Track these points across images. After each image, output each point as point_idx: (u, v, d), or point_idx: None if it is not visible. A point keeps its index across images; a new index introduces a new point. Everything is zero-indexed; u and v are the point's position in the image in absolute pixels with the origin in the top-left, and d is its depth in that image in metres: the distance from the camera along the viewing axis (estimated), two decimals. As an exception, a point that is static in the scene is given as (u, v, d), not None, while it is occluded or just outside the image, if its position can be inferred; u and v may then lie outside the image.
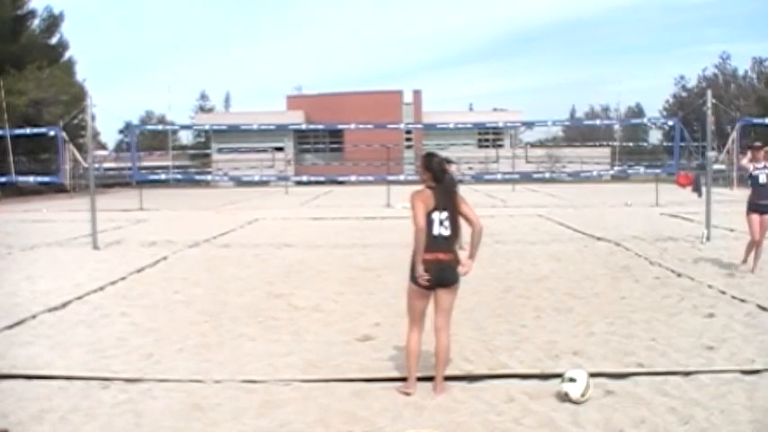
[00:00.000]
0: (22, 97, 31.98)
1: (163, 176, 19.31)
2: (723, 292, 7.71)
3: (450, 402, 4.48)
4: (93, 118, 13.92)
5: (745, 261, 9.31)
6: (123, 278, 9.31)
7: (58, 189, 26.71)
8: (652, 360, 5.32)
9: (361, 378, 4.96)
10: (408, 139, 49.12)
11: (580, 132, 66.43)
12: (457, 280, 4.58)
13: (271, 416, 4.30)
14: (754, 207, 9.05)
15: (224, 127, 46.38)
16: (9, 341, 6.12)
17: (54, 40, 41.27)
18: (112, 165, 37.63)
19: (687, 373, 4.91)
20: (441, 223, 4.49)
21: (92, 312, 7.29)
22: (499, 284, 8.62)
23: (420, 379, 4.72)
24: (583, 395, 4.39)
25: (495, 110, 57.99)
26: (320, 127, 43.42)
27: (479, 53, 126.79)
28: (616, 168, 36.51)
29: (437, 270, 4.49)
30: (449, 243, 4.51)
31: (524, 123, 30.51)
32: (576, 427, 4.05)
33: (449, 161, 4.71)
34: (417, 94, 52.61)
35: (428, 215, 4.50)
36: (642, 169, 29.28)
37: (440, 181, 4.56)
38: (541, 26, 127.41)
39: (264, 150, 46.24)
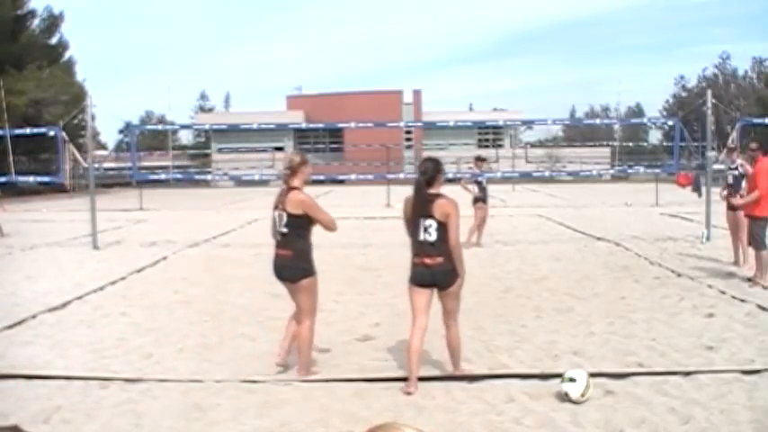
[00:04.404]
0: (22, 97, 31.93)
1: (163, 176, 19.25)
2: (723, 292, 7.71)
3: (450, 402, 4.49)
4: (93, 118, 13.93)
5: None
6: (123, 278, 9.30)
7: (58, 189, 26.69)
8: (652, 360, 5.32)
9: (361, 378, 4.96)
10: (408, 139, 49.10)
11: (580, 132, 66.47)
12: (450, 284, 4.66)
13: (271, 416, 4.30)
14: None
15: (224, 127, 46.32)
16: (9, 341, 6.12)
17: (54, 40, 41.22)
18: (112, 165, 37.57)
19: (687, 373, 4.91)
20: (425, 230, 4.63)
21: (92, 312, 7.30)
22: (499, 284, 8.62)
23: (421, 379, 4.73)
24: (583, 395, 4.40)
25: (495, 110, 57.99)
26: (320, 126, 43.43)
27: (479, 53, 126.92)
28: (616, 168, 36.47)
29: (425, 273, 4.65)
30: (435, 248, 4.60)
31: (524, 122, 30.48)
32: (576, 427, 4.06)
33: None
34: (417, 94, 52.56)
35: (414, 221, 4.67)
36: (642, 169, 29.21)
37: (426, 186, 4.66)
38: (541, 26, 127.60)
39: (264, 150, 46.21)
